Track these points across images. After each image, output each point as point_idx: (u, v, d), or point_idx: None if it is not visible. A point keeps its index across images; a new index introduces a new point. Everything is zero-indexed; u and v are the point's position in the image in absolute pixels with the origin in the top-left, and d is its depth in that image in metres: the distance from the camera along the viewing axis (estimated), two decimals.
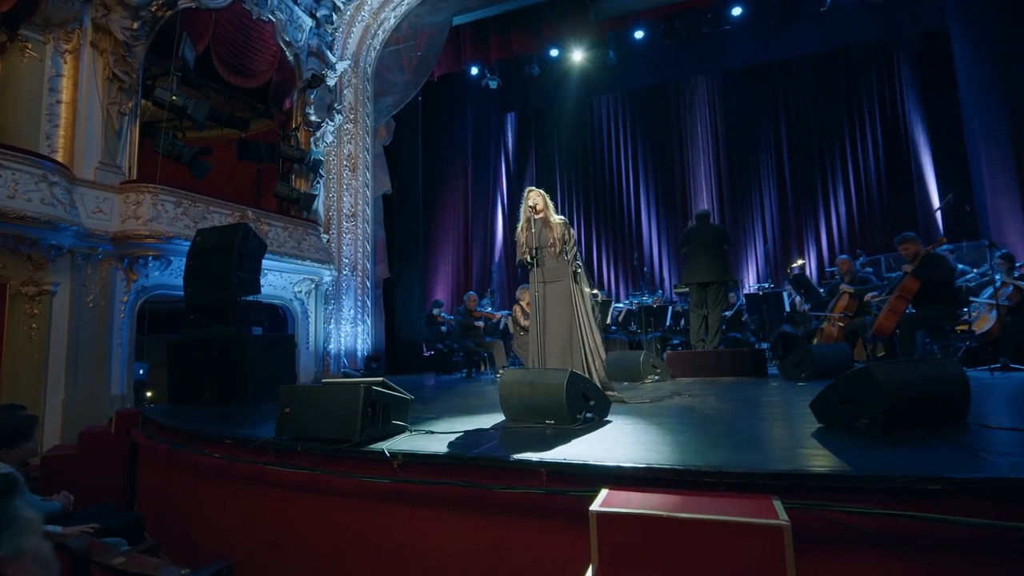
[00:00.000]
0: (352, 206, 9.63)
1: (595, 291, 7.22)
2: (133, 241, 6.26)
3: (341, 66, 9.31)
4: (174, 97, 6.89)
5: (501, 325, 8.77)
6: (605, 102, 15.39)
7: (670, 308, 8.72)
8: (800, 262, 8.70)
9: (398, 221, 10.52)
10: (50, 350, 5.80)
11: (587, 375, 4.46)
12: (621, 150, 15.23)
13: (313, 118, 8.87)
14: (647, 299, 10.95)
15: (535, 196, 4.72)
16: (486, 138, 14.72)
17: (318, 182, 9.06)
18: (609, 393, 4.46)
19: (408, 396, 3.34)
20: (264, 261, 7.59)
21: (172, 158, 6.97)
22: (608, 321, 7.64)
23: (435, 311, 9.87)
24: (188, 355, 5.96)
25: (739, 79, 13.96)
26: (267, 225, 7.69)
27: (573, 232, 4.77)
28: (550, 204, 4.79)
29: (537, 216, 4.74)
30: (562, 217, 4.77)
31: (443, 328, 9.61)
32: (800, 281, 7.13)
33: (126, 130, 6.69)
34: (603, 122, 15.46)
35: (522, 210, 4.74)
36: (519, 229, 4.72)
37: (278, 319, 8.54)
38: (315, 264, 8.36)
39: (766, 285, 9.08)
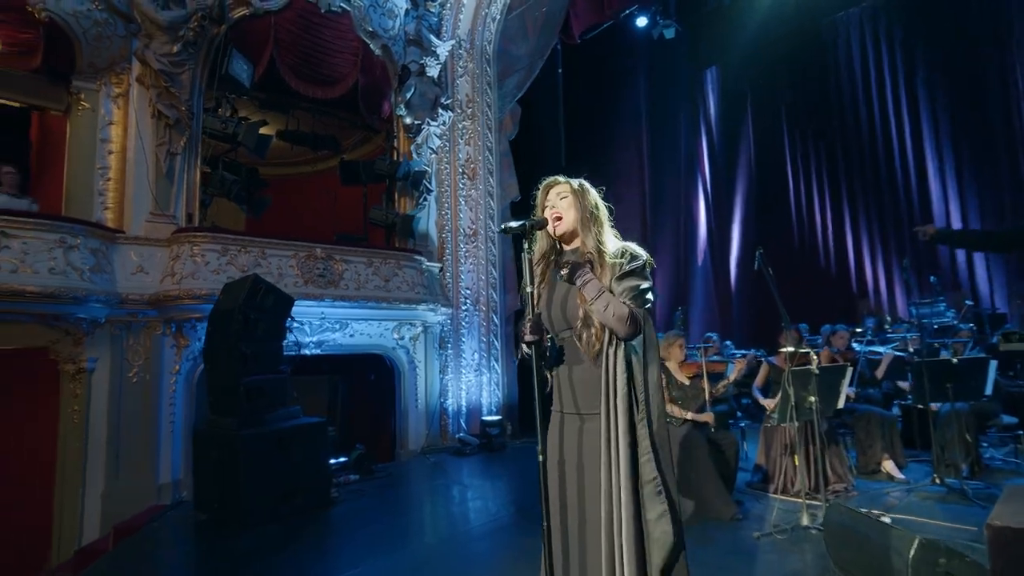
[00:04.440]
0: (472, 223, 7.68)
1: (802, 349, 3.82)
2: (167, 304, 5.29)
3: (443, 49, 7.42)
4: (223, 125, 5.82)
5: None
6: (852, 20, 10.49)
7: (991, 363, 4.49)
8: None
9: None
10: (89, 436, 5.12)
11: None
12: (886, 89, 10.16)
13: (408, 120, 7.15)
14: (942, 320, 6.54)
15: (559, 192, 2.00)
16: (672, 108, 11.33)
17: (425, 199, 7.33)
18: None
19: None
20: (337, 310, 6.13)
21: (222, 196, 5.94)
22: (841, 404, 4.06)
23: None
24: (206, 451, 4.68)
25: None
26: (342, 263, 6.19)
27: (646, 281, 1.83)
28: (597, 215, 1.96)
29: (568, 247, 2.00)
30: (634, 250, 1.87)
31: None
32: None
33: (179, 172, 5.84)
34: (852, 51, 10.56)
35: (536, 235, 2.03)
36: (525, 276, 1.99)
37: (383, 370, 7.06)
38: (408, 306, 6.60)
39: None
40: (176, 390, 5.53)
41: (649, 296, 1.85)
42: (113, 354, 5.27)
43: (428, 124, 7.28)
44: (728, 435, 4.38)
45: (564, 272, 1.86)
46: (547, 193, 2.01)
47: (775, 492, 4.36)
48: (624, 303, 1.76)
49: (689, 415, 4.26)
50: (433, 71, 7.36)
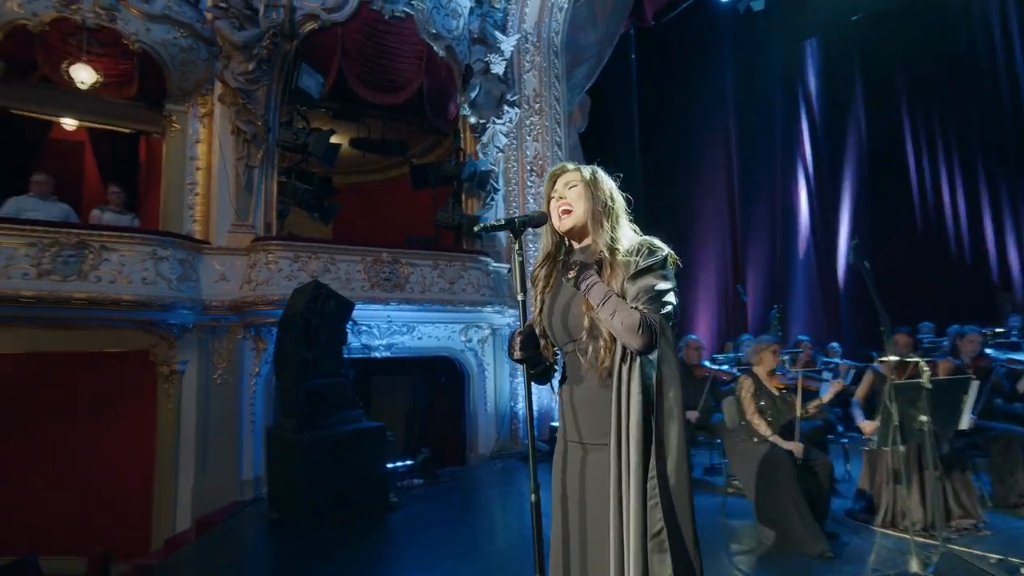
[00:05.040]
0: None
1: (911, 357, 3.21)
2: (245, 309, 5.58)
3: (508, 45, 7.24)
4: (295, 137, 6.05)
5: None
6: None
7: None
8: None
9: None
10: (181, 433, 5.52)
11: None
12: None
13: (473, 120, 7.06)
14: None
15: (567, 181, 1.68)
16: (765, 86, 10.33)
17: (492, 199, 7.21)
18: None
19: None
20: (404, 313, 6.17)
21: (296, 205, 6.17)
22: (964, 425, 3.33)
23: None
24: (275, 452, 4.87)
25: None
26: (407, 267, 6.22)
27: (666, 281, 1.51)
28: (612, 207, 1.66)
29: (578, 245, 1.70)
30: (652, 244, 1.56)
31: None
32: None
33: (257, 184, 6.15)
34: (988, 8, 8.98)
35: (543, 229, 1.77)
36: (516, 282, 1.70)
37: (453, 373, 7.03)
38: (474, 308, 6.50)
39: None
40: (256, 391, 5.82)
41: (670, 299, 1.52)
42: (200, 357, 5.64)
43: (493, 123, 7.15)
44: (821, 456, 3.78)
45: (571, 275, 1.59)
46: (554, 183, 1.72)
47: (880, 525, 3.71)
48: (636, 308, 1.46)
49: (773, 437, 3.73)
50: (498, 68, 7.22)
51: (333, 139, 6.83)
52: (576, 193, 1.66)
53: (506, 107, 7.14)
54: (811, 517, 3.45)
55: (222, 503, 5.38)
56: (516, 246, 1.59)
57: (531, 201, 7.45)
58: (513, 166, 7.53)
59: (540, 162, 7.54)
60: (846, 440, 5.16)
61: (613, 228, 1.63)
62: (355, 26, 6.47)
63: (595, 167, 1.73)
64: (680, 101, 9.49)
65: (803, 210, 10.46)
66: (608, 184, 1.70)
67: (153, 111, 6.25)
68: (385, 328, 6.22)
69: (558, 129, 7.64)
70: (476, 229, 1.63)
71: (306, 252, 5.84)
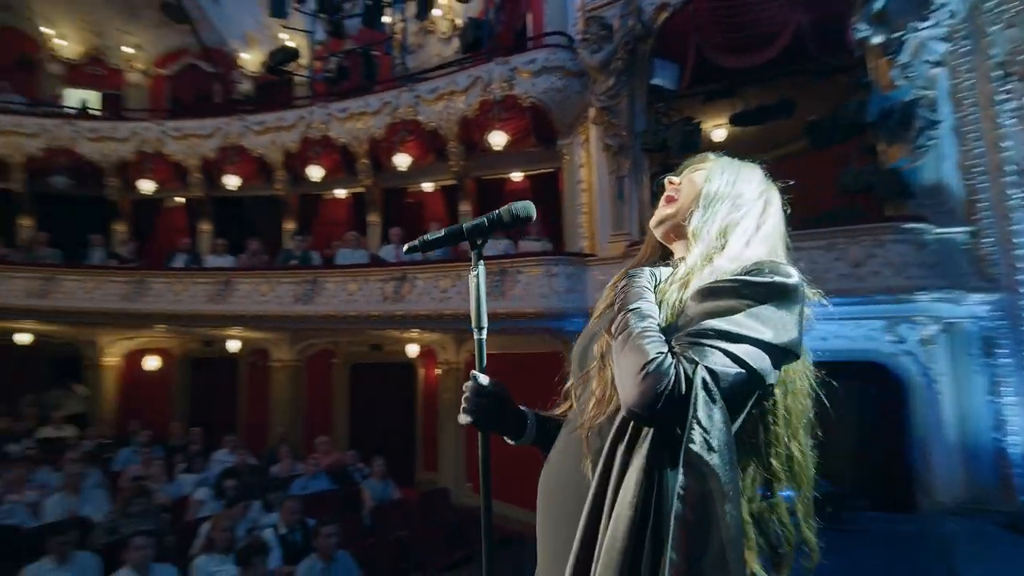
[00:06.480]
0: None
1: None
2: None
3: None
4: (654, 136, 5.94)
5: None
6: None
7: None
8: None
9: None
10: None
11: None
12: None
13: (877, 39, 5.10)
14: None
15: (694, 168, 1.08)
16: None
17: (929, 137, 5.04)
18: None
19: None
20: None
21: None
22: None
23: None
24: None
25: None
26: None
27: (756, 322, 0.83)
28: (738, 203, 0.99)
29: (678, 256, 1.07)
30: (766, 265, 0.89)
31: None
32: None
33: (629, 192, 6.33)
34: None
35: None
36: (472, 313, 1.17)
37: (887, 384, 5.24)
38: (893, 296, 4.63)
39: None
40: None
41: (745, 355, 0.80)
42: None
43: (915, 30, 5.00)
44: None
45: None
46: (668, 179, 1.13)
47: None
48: (667, 343, 0.82)
49: None
50: None
51: (709, 125, 6.35)
52: (691, 180, 1.04)
53: (930, 6, 4.85)
54: None
55: None
56: (473, 258, 1.14)
57: (1007, 122, 4.79)
58: (966, 78, 5.04)
59: (1022, 56, 4.77)
60: None
61: (725, 232, 0.94)
62: None
63: (749, 163, 1.05)
64: None
65: None
66: (747, 178, 1.01)
67: (551, 150, 7.38)
68: None
69: None
70: (405, 249, 1.25)
71: None
